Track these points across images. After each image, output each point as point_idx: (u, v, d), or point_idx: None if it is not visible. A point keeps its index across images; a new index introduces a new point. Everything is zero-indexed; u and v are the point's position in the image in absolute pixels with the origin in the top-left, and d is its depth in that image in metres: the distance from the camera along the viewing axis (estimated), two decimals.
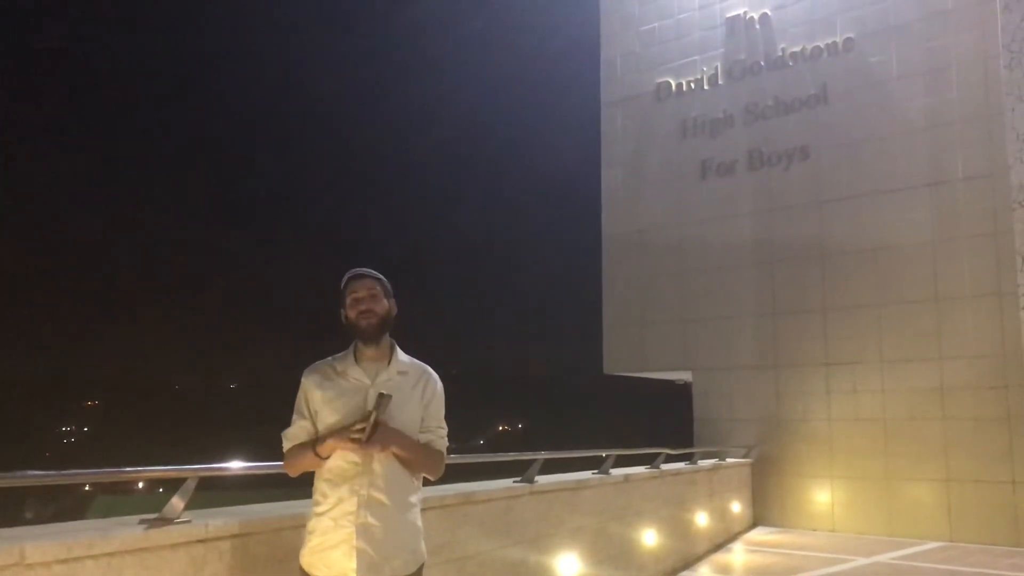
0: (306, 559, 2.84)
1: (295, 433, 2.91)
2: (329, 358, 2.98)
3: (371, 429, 2.71)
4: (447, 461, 3.09)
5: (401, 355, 3.00)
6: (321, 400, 2.87)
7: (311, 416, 2.90)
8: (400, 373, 2.95)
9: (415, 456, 2.91)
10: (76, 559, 2.78)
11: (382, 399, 2.72)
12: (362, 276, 2.96)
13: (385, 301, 2.95)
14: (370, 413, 2.72)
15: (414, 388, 2.96)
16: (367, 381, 2.88)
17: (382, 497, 2.80)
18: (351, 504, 2.77)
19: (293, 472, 2.94)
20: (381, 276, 2.99)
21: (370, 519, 2.76)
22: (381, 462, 2.81)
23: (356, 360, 2.93)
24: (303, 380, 2.94)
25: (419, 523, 2.95)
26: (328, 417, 2.85)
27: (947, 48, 12.19)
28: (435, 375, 3.07)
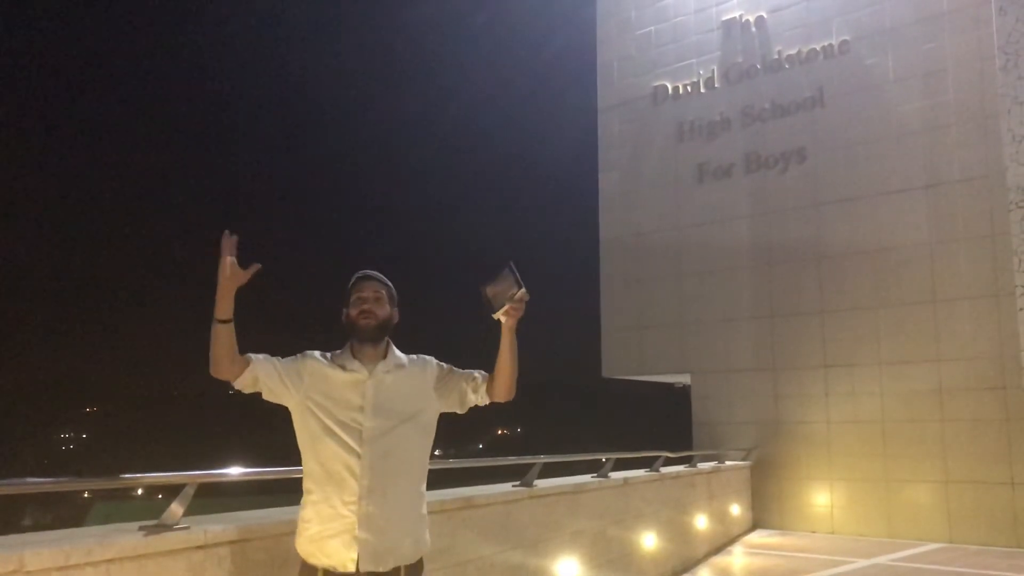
0: (304, 548, 2.81)
1: (259, 357, 2.82)
2: (328, 353, 2.99)
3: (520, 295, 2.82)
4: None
5: (397, 352, 3.01)
6: (320, 385, 2.85)
7: (289, 378, 2.84)
8: (398, 366, 2.96)
9: (515, 352, 3.00)
10: (75, 566, 2.78)
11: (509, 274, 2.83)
12: (370, 278, 2.97)
13: (388, 306, 2.96)
14: (515, 285, 2.81)
15: (422, 376, 3.00)
16: (365, 373, 2.88)
17: (385, 486, 2.78)
18: (351, 493, 2.74)
19: (214, 363, 2.71)
20: (389, 283, 3.01)
21: (372, 508, 2.74)
22: (385, 455, 2.80)
23: (353, 355, 2.93)
24: (307, 353, 2.93)
25: (424, 512, 2.94)
26: (324, 403, 2.83)
27: (943, 50, 12.22)
28: (431, 357, 3.10)
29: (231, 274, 2.64)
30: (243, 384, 2.80)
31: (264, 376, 2.81)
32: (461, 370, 3.09)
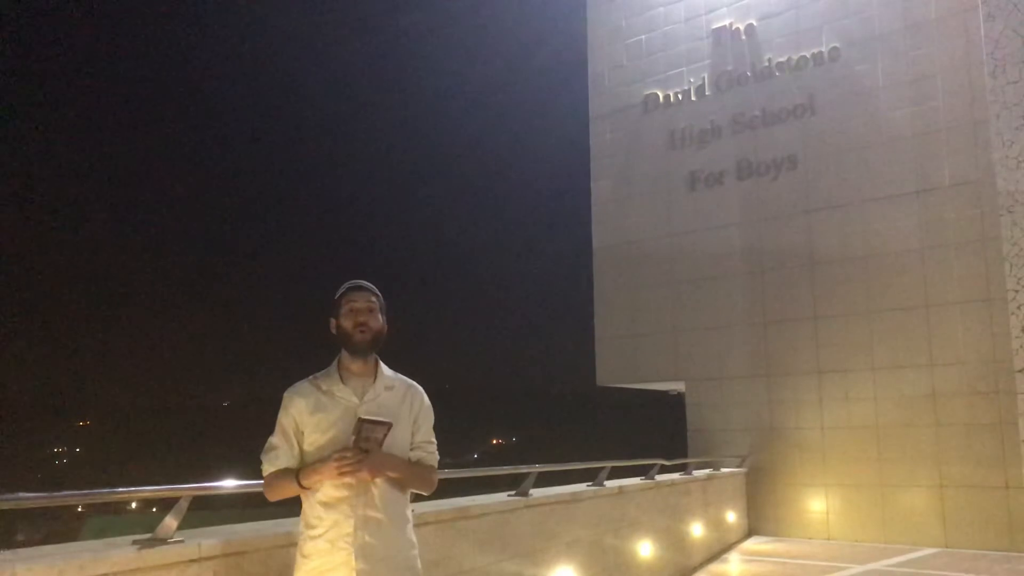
0: None
1: (279, 458, 2.85)
2: (310, 377, 2.95)
3: (358, 457, 2.67)
4: (440, 476, 3.08)
5: (386, 370, 2.98)
6: (313, 424, 2.83)
7: (297, 439, 2.86)
8: (387, 388, 2.93)
9: (409, 477, 2.90)
10: None
11: (363, 425, 2.68)
12: (362, 288, 2.94)
13: (380, 318, 2.94)
14: (355, 442, 2.68)
15: (402, 403, 2.95)
16: (355, 399, 2.86)
17: (379, 515, 2.78)
18: (348, 525, 2.74)
19: (273, 497, 2.88)
20: (379, 292, 2.98)
21: (368, 538, 2.74)
22: (376, 482, 2.79)
23: (341, 377, 2.91)
24: (289, 400, 2.88)
25: (414, 538, 2.95)
26: (319, 440, 2.82)
27: (932, 57, 12.30)
28: (421, 389, 3.06)
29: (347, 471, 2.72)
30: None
31: (292, 463, 2.86)
32: (426, 431, 3.02)
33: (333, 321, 2.93)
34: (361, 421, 2.70)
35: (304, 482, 2.77)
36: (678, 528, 9.55)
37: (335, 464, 2.68)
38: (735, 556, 10.98)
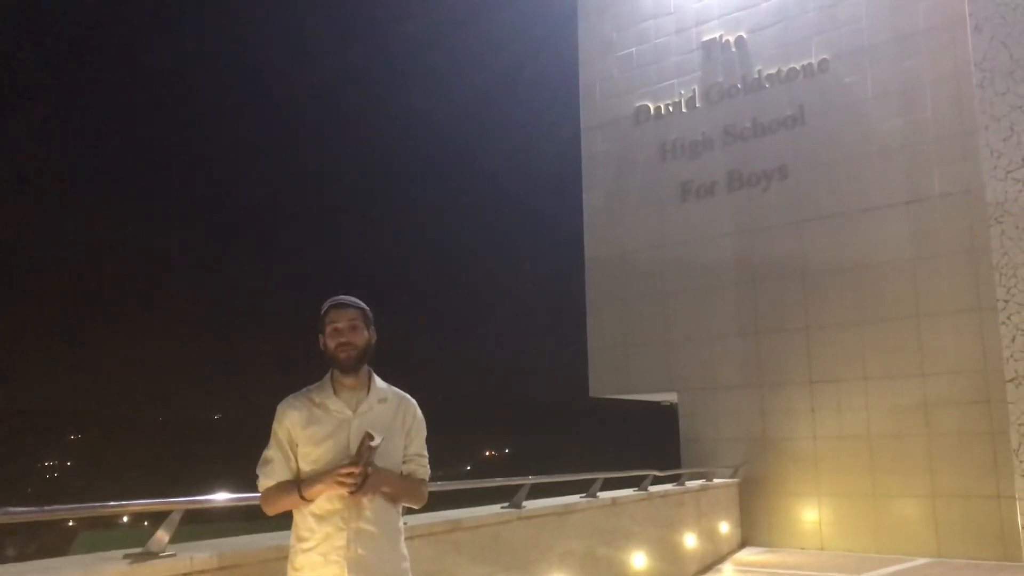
0: None
1: (276, 471, 2.85)
2: (304, 389, 2.95)
3: (363, 479, 2.69)
4: (432, 488, 3.09)
5: (379, 383, 2.98)
6: (306, 437, 2.83)
7: (292, 451, 2.86)
8: (380, 401, 2.93)
9: (401, 491, 2.91)
10: None
11: (369, 447, 2.70)
12: (344, 306, 2.93)
13: (365, 332, 2.92)
14: (358, 461, 2.69)
15: (395, 416, 2.95)
16: (349, 412, 2.86)
17: (371, 528, 2.77)
18: (340, 538, 2.74)
19: (272, 511, 2.88)
20: (363, 305, 2.97)
21: (360, 551, 2.74)
22: (369, 496, 2.79)
23: (334, 390, 2.91)
24: (283, 413, 2.89)
25: (406, 551, 2.95)
26: (312, 453, 2.82)
27: (920, 68, 12.37)
28: (413, 401, 3.06)
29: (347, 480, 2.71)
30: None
31: (289, 476, 2.86)
32: (418, 444, 3.03)
33: (321, 339, 2.93)
34: (367, 434, 2.71)
35: (306, 494, 2.76)
36: (671, 539, 9.55)
37: (339, 479, 2.68)
38: (728, 567, 10.97)
